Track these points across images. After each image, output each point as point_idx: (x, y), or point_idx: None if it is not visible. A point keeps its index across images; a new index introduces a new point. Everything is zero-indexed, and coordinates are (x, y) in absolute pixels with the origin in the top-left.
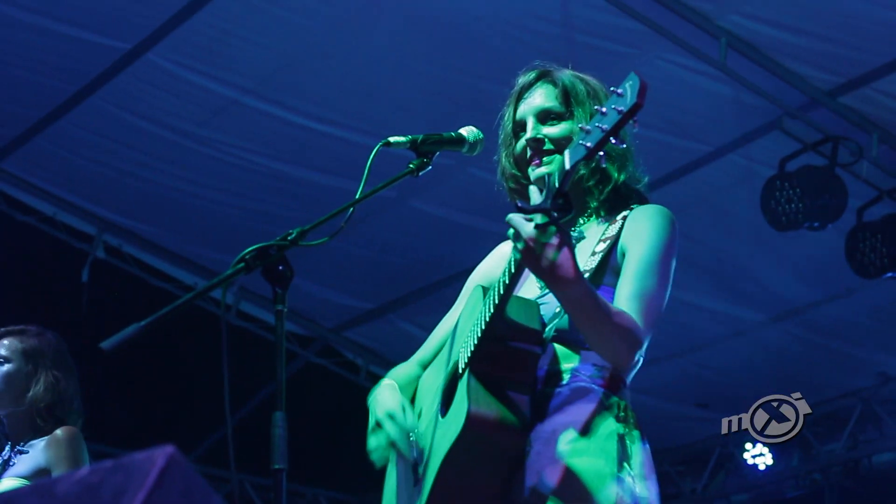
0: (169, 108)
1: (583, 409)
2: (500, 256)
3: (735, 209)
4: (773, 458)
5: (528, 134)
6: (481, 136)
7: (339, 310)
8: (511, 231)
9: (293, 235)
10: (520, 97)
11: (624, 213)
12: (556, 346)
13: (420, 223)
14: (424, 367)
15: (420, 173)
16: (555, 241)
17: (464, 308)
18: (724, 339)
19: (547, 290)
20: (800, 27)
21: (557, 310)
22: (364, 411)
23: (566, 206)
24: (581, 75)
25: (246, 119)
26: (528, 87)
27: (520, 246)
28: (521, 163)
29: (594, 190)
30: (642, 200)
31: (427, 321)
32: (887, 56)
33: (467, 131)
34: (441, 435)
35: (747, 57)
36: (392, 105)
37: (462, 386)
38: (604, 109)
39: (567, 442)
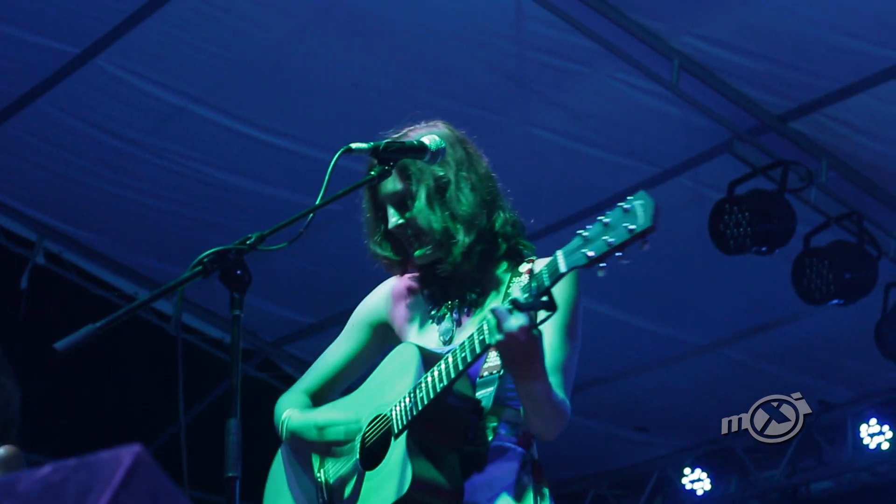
0: (116, 114)
1: (503, 468)
2: (386, 295)
3: (683, 231)
4: (710, 483)
5: (391, 223)
6: (443, 145)
7: (280, 323)
8: (492, 320)
9: (252, 240)
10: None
11: (528, 267)
12: None
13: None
14: (310, 395)
15: (381, 181)
16: (534, 340)
17: (389, 361)
18: (666, 363)
19: (449, 344)
20: (752, 51)
21: (485, 374)
22: None
23: (551, 304)
24: (401, 131)
25: (194, 128)
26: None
27: (500, 337)
28: (396, 240)
29: (487, 255)
30: (521, 244)
31: None
32: (839, 82)
33: (429, 140)
34: (370, 489)
35: (699, 79)
36: (342, 118)
37: (400, 448)
38: (607, 220)
39: (488, 500)
